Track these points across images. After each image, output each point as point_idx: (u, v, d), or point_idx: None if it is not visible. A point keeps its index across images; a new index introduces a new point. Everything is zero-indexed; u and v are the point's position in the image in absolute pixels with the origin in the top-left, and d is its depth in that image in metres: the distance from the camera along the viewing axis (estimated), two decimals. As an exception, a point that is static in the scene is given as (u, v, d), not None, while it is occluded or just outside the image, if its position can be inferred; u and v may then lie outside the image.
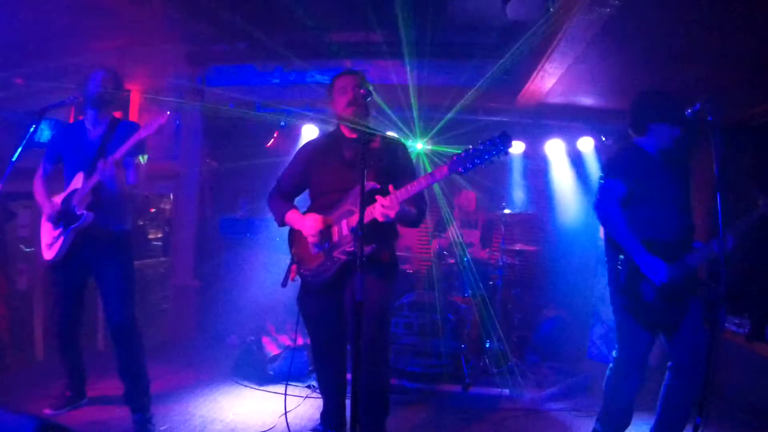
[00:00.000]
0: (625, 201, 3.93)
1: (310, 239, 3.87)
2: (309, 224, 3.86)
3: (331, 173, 3.96)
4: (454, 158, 3.41)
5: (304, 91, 7.76)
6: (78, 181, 4.34)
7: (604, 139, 7.64)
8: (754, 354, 5.34)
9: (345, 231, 3.75)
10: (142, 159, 4.44)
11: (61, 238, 4.37)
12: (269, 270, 7.35)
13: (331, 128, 4.39)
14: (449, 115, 7.23)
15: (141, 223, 7.17)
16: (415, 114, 7.24)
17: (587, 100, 6.90)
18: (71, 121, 7.50)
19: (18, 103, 7.58)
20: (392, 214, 3.50)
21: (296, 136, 7.85)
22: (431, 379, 6.02)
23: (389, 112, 6.79)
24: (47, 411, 4.55)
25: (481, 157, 3.34)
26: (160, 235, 7.65)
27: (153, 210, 7.59)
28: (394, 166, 3.93)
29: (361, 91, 3.62)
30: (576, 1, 4.19)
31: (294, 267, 4.10)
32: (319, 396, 4.44)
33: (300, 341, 5.88)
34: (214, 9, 6.29)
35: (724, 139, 3.58)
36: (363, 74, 4.07)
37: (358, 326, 3.07)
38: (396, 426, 3.59)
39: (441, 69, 7.35)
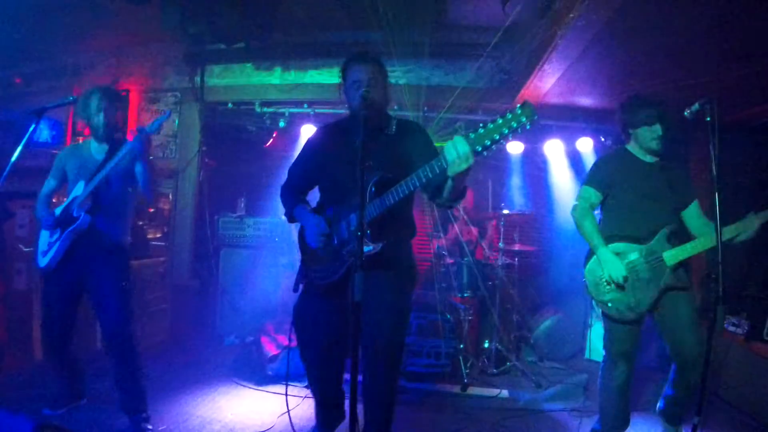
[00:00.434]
0: (598, 204, 4.43)
1: (313, 242, 3.64)
2: (311, 224, 3.66)
3: (341, 163, 3.62)
4: (470, 136, 2.95)
5: (303, 91, 7.76)
6: (78, 189, 4.37)
7: (603, 139, 7.64)
8: (753, 354, 5.34)
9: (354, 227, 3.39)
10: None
11: (57, 243, 4.36)
12: (268, 270, 7.37)
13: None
14: (448, 115, 7.24)
15: (140, 222, 7.16)
16: (414, 114, 7.24)
17: (586, 101, 6.90)
18: (69, 120, 7.52)
19: (17, 102, 7.58)
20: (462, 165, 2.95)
21: (295, 136, 7.84)
22: (430, 378, 6.03)
23: (388, 112, 6.80)
24: (46, 411, 4.56)
25: (500, 131, 2.88)
26: (158, 235, 7.64)
27: (152, 210, 7.59)
28: (410, 151, 3.56)
29: (379, 85, 3.47)
30: (575, 1, 4.18)
31: (304, 269, 3.85)
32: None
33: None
34: (213, 8, 6.28)
35: (722, 139, 3.58)
36: (377, 57, 3.65)
37: (356, 329, 2.82)
38: (394, 426, 3.57)
39: (440, 69, 7.36)
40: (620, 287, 4.19)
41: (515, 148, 7.95)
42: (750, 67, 5.11)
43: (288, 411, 4.12)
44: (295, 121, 7.89)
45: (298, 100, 7.82)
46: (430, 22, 6.44)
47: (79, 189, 4.36)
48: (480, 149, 2.90)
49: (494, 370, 6.49)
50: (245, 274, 7.61)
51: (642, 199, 4.27)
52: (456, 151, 2.90)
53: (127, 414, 4.43)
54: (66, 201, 4.44)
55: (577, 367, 6.89)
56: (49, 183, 4.66)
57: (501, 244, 6.89)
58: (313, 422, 4.59)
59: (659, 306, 4.22)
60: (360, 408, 3.17)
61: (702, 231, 4.22)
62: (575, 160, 7.95)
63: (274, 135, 8.14)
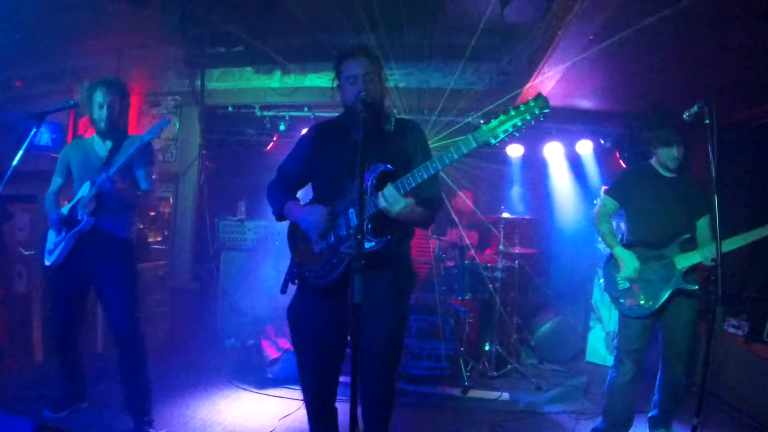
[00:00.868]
0: (614, 212, 4.86)
1: (312, 234, 3.45)
2: (309, 216, 3.44)
3: (338, 159, 3.50)
4: (482, 128, 2.96)
5: (303, 95, 7.77)
6: (84, 190, 4.39)
7: (602, 141, 7.66)
8: (753, 355, 5.35)
9: (354, 223, 3.26)
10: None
11: (62, 243, 4.40)
12: (268, 273, 7.37)
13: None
14: (447, 118, 7.25)
15: (140, 226, 7.17)
16: (414, 116, 7.25)
17: (586, 103, 6.91)
18: (70, 123, 7.52)
19: (17, 105, 7.59)
20: (394, 208, 3.06)
21: (296, 140, 7.82)
22: (430, 381, 6.02)
23: (386, 109, 6.80)
24: (47, 413, 4.56)
25: (514, 122, 2.89)
26: (159, 239, 7.65)
27: (152, 213, 7.60)
28: (408, 149, 3.50)
29: (375, 80, 3.41)
30: (574, 3, 4.19)
31: (295, 269, 3.62)
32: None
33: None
34: (212, 12, 6.30)
35: (721, 140, 3.59)
36: (372, 51, 3.57)
37: (356, 331, 2.77)
38: (394, 428, 3.56)
39: (439, 71, 7.37)
40: (633, 283, 4.55)
41: (515, 150, 7.96)
42: (749, 67, 5.12)
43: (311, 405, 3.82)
44: (295, 125, 7.90)
45: (298, 104, 7.83)
46: (429, 25, 6.46)
47: (85, 189, 4.38)
48: (494, 141, 2.94)
49: (494, 373, 6.48)
50: (245, 277, 7.62)
51: (659, 210, 4.63)
52: (384, 199, 3.07)
53: (131, 415, 4.44)
54: (73, 200, 4.46)
55: (577, 369, 6.89)
56: (56, 181, 4.69)
57: (501, 247, 6.89)
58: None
59: (666, 308, 4.48)
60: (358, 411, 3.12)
61: (706, 242, 4.52)
62: (575, 162, 7.96)
63: (274, 138, 8.15)
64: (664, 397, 4.62)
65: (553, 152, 7.95)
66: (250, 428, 4.82)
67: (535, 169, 8.34)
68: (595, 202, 6.76)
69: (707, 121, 3.60)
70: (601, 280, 4.96)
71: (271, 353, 6.17)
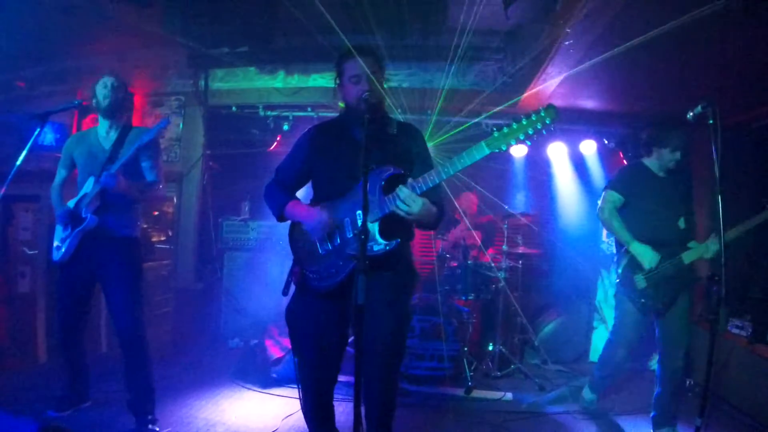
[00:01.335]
0: (621, 207, 4.95)
1: (316, 235, 3.39)
2: (313, 217, 3.37)
3: (340, 158, 3.46)
4: (494, 135, 3.01)
5: (307, 95, 7.77)
6: (88, 186, 4.40)
7: (606, 142, 7.65)
8: (756, 356, 5.33)
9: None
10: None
11: (69, 240, 4.42)
12: (272, 273, 7.37)
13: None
14: (451, 119, 7.25)
15: (144, 226, 7.18)
16: (417, 117, 7.25)
17: (589, 103, 6.90)
18: (74, 124, 7.53)
19: (20, 106, 7.60)
20: (413, 209, 3.07)
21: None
22: (433, 381, 6.03)
23: (390, 115, 6.80)
24: (50, 413, 4.56)
25: (525, 131, 2.96)
26: (163, 238, 7.66)
27: (156, 213, 7.60)
28: (411, 153, 3.48)
29: (377, 79, 3.39)
30: (578, 3, 4.19)
31: (297, 270, 3.52)
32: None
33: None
34: (215, 12, 6.30)
35: (725, 140, 3.58)
36: (375, 50, 3.55)
37: (359, 332, 2.70)
38: (397, 429, 3.55)
39: (442, 72, 7.36)
40: (649, 278, 4.72)
41: (518, 150, 7.96)
42: (751, 69, 5.11)
43: (303, 408, 3.73)
44: (298, 125, 7.89)
45: (302, 104, 7.83)
46: (432, 26, 6.45)
47: (89, 185, 4.40)
48: (505, 148, 2.99)
49: (498, 373, 6.49)
50: (249, 277, 7.63)
51: (658, 208, 4.81)
52: (402, 201, 3.07)
53: (134, 414, 4.45)
54: (78, 195, 4.49)
55: (580, 369, 6.89)
56: (60, 173, 4.73)
57: (505, 247, 6.89)
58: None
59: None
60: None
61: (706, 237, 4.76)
62: (578, 162, 7.95)
63: (278, 139, 8.15)
64: (665, 391, 4.77)
65: (557, 152, 7.94)
66: (254, 428, 4.82)
67: (538, 169, 8.33)
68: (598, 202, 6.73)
69: (711, 121, 3.60)
70: (615, 279, 5.09)
71: (275, 353, 6.17)
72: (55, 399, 4.69)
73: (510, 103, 7.04)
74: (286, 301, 3.60)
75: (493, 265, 7.01)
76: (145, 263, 6.56)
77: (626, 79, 5.81)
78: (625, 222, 4.92)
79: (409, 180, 3.12)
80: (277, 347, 6.29)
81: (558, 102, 6.48)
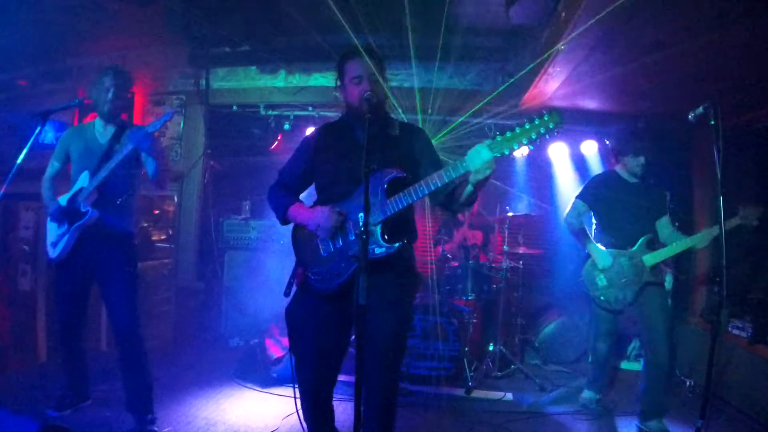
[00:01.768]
0: (585, 213, 5.49)
1: (321, 236, 3.35)
2: (318, 218, 3.33)
3: (342, 160, 3.42)
4: (497, 138, 2.98)
5: (308, 94, 7.77)
6: (84, 180, 4.37)
7: (607, 142, 7.62)
8: (757, 357, 5.33)
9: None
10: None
11: (66, 236, 4.40)
12: (272, 272, 7.37)
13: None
14: (452, 118, 7.25)
15: (145, 224, 7.18)
16: (419, 117, 7.25)
17: (591, 104, 6.89)
18: (75, 123, 7.53)
19: (21, 104, 7.60)
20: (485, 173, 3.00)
21: (300, 139, 7.83)
22: (434, 381, 6.03)
23: (392, 115, 6.80)
24: (51, 412, 4.56)
25: (528, 136, 2.95)
26: (163, 237, 7.66)
27: (156, 212, 7.60)
28: (415, 154, 3.46)
29: (379, 81, 3.36)
30: (580, 4, 4.18)
31: (300, 271, 3.49)
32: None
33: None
34: (217, 11, 6.30)
35: (725, 141, 3.58)
36: (376, 51, 3.50)
37: (360, 332, 2.71)
38: (398, 429, 3.55)
39: (444, 72, 7.36)
40: (610, 280, 5.17)
41: (519, 151, 7.93)
42: (752, 70, 5.11)
43: (297, 411, 3.70)
44: (299, 124, 7.90)
45: (303, 103, 7.83)
46: (433, 25, 6.44)
47: (84, 180, 4.39)
48: (508, 152, 2.98)
49: (498, 373, 6.50)
50: (250, 277, 7.62)
51: (625, 214, 5.21)
52: (480, 159, 2.95)
53: (133, 414, 4.43)
54: (71, 190, 4.47)
55: (581, 370, 6.87)
56: (53, 165, 4.69)
57: (505, 247, 6.88)
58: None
59: (638, 299, 5.10)
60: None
61: (671, 239, 5.13)
62: (579, 163, 7.94)
63: (279, 138, 8.15)
64: (650, 386, 4.97)
65: (558, 153, 7.94)
66: (254, 427, 4.82)
67: (539, 169, 8.32)
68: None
69: (712, 122, 3.59)
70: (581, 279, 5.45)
71: (275, 352, 6.17)
72: (56, 398, 4.69)
73: (511, 103, 7.06)
74: (286, 300, 3.58)
75: (494, 265, 7.01)
76: (147, 262, 6.59)
77: (627, 79, 5.80)
78: (598, 226, 5.47)
79: (492, 143, 2.99)
80: (278, 346, 6.29)
81: (559, 102, 6.56)
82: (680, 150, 7.24)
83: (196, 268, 7.89)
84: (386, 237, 3.19)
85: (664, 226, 5.25)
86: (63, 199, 4.51)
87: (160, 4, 6.19)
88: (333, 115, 7.56)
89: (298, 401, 3.51)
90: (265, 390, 5.71)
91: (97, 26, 6.73)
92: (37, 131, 3.94)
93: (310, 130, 7.61)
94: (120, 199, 4.44)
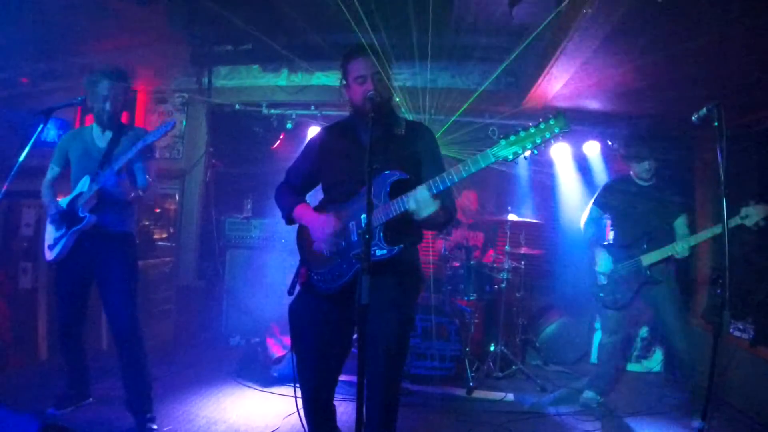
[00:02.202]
0: (599, 218, 5.85)
1: (321, 241, 3.34)
2: (320, 225, 3.35)
3: (347, 161, 3.41)
4: (500, 143, 2.94)
5: (310, 93, 7.77)
6: (84, 185, 4.37)
7: (610, 143, 7.63)
8: (758, 359, 5.33)
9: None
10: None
11: (63, 239, 4.40)
12: (274, 271, 7.37)
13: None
14: (454, 118, 7.23)
15: (146, 223, 7.18)
16: (421, 116, 7.24)
17: (594, 104, 6.88)
18: (77, 120, 7.53)
19: (23, 102, 7.60)
20: (424, 211, 3.02)
21: (302, 138, 7.83)
22: (435, 381, 6.02)
23: (399, 114, 6.79)
24: (51, 411, 4.56)
25: (533, 140, 2.90)
26: (165, 236, 7.66)
27: (158, 210, 7.60)
28: (419, 154, 3.42)
29: (383, 79, 3.34)
30: (583, 4, 4.17)
31: (303, 271, 3.53)
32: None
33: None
34: (219, 10, 6.29)
35: (728, 142, 3.57)
36: (381, 50, 3.47)
37: (362, 332, 2.72)
38: (399, 428, 3.54)
39: (447, 71, 7.36)
40: (610, 280, 5.48)
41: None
42: (755, 70, 5.09)
43: (298, 410, 3.67)
44: (302, 123, 7.90)
45: (305, 102, 7.83)
46: (436, 24, 6.43)
47: (84, 185, 4.38)
48: (512, 158, 2.93)
49: (499, 374, 6.49)
50: (251, 275, 7.62)
51: (633, 216, 5.51)
52: (415, 200, 3.01)
53: (132, 413, 4.42)
54: (72, 194, 4.46)
55: (582, 371, 6.88)
56: (53, 169, 4.68)
57: (507, 248, 6.87)
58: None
59: (653, 301, 5.42)
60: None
61: (681, 238, 5.27)
62: (582, 163, 7.94)
63: (281, 136, 8.15)
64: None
65: (560, 153, 7.92)
66: (255, 426, 4.81)
67: (541, 169, 8.31)
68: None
69: (716, 123, 3.58)
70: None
71: (276, 351, 6.16)
72: (56, 396, 4.69)
73: (514, 103, 7.06)
74: (287, 299, 3.58)
75: (495, 265, 7.00)
76: (147, 260, 6.59)
77: (630, 80, 5.79)
78: (612, 227, 5.95)
79: (430, 181, 3.05)
80: (279, 346, 6.28)
81: (562, 102, 6.55)
82: (681, 150, 7.22)
83: (197, 267, 7.89)
84: (388, 239, 3.18)
85: (680, 225, 5.42)
86: (63, 202, 4.51)
87: (162, 2, 6.19)
88: (335, 114, 7.55)
89: (299, 400, 3.49)
90: (265, 389, 5.71)
91: (98, 25, 6.72)
92: (39, 129, 3.94)
93: (312, 129, 7.63)
94: (120, 201, 4.43)
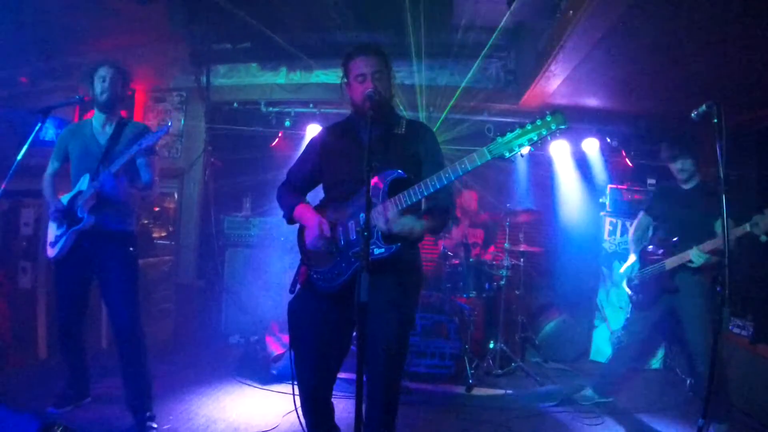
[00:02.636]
0: (649, 224, 5.73)
1: (311, 244, 3.40)
2: (311, 226, 3.37)
3: (347, 160, 3.40)
4: (497, 140, 2.95)
5: (309, 91, 7.76)
6: (83, 183, 4.36)
7: (609, 140, 7.63)
8: (758, 356, 5.33)
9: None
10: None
11: (63, 238, 4.39)
12: (273, 269, 7.37)
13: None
14: (453, 116, 7.24)
15: (145, 221, 7.17)
16: (420, 114, 7.24)
17: (592, 102, 6.88)
18: (75, 119, 7.51)
19: (22, 101, 7.59)
20: (389, 228, 3.08)
21: (301, 136, 7.85)
22: (434, 379, 6.03)
23: (395, 109, 6.79)
24: (51, 410, 4.55)
25: (529, 137, 2.91)
26: (164, 234, 7.65)
27: (157, 209, 7.60)
28: (419, 154, 3.42)
29: (384, 78, 3.34)
30: (583, 2, 4.17)
31: (303, 269, 3.54)
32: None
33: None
34: (218, 8, 6.29)
35: (727, 140, 3.56)
36: (381, 50, 3.47)
37: (362, 330, 2.69)
38: (399, 426, 3.53)
39: (446, 69, 7.35)
40: (640, 280, 5.44)
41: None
42: (755, 69, 5.10)
43: (296, 408, 3.66)
44: (300, 121, 7.90)
45: (304, 100, 7.83)
46: (435, 23, 6.43)
47: (83, 183, 4.37)
48: (508, 155, 2.94)
49: (499, 371, 6.49)
50: (250, 274, 7.62)
51: (671, 220, 5.35)
52: (384, 219, 3.09)
53: (132, 412, 4.41)
54: (72, 191, 4.45)
55: (581, 368, 6.89)
56: (53, 164, 4.68)
57: (506, 245, 6.87)
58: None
59: (678, 315, 5.16)
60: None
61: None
62: (581, 161, 7.94)
63: (279, 135, 8.14)
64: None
65: (559, 150, 7.93)
66: (255, 424, 4.80)
67: (540, 167, 8.31)
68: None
69: (715, 120, 3.57)
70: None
71: (276, 349, 6.17)
72: (56, 395, 4.68)
73: (513, 101, 7.06)
74: (287, 297, 3.58)
75: (494, 263, 7.00)
76: (146, 259, 6.58)
77: (629, 78, 5.79)
78: (654, 232, 5.73)
79: (396, 196, 3.10)
80: (278, 344, 6.29)
81: (560, 100, 6.55)
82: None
83: (197, 266, 7.89)
84: (386, 238, 3.17)
85: (719, 226, 4.93)
86: (65, 199, 4.49)
87: (161, 1, 6.18)
88: (334, 112, 7.56)
89: (298, 398, 3.50)
90: (265, 387, 5.70)
91: (98, 24, 6.72)
92: (37, 128, 3.94)
93: (311, 128, 7.63)
94: (120, 200, 4.42)
